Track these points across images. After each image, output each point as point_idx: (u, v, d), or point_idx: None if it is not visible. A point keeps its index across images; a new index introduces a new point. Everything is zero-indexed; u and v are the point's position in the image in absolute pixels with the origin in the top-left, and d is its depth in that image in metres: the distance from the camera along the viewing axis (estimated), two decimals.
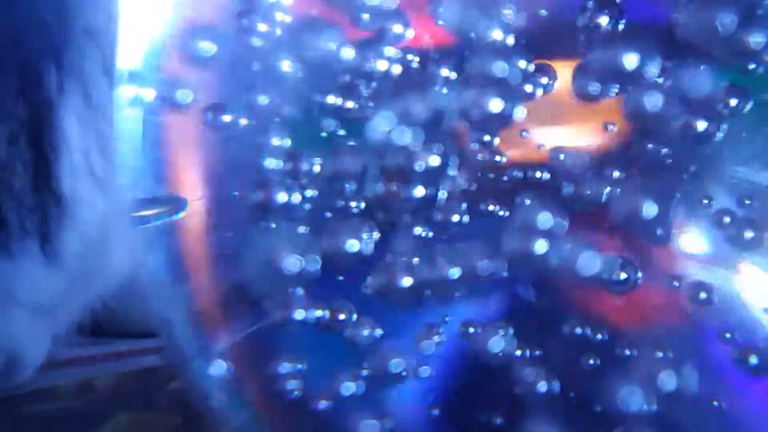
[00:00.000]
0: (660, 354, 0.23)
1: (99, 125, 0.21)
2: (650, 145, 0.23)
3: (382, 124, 0.23)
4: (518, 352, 0.24)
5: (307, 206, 0.25)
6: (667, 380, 0.22)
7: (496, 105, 0.23)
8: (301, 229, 0.25)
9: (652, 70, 0.22)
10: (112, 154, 0.21)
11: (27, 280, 0.20)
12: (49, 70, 0.20)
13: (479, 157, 0.24)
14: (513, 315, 0.24)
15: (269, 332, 0.25)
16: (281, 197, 0.25)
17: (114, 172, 0.21)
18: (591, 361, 0.23)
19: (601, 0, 0.22)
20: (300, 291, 0.25)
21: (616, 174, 0.23)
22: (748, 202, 0.22)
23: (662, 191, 0.22)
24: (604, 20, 0.22)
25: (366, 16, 0.24)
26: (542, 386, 0.24)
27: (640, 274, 0.23)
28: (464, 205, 0.24)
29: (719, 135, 0.22)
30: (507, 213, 0.24)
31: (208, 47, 0.25)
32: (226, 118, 0.25)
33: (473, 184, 0.24)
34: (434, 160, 0.24)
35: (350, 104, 0.25)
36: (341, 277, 0.25)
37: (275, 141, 0.25)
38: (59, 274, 0.21)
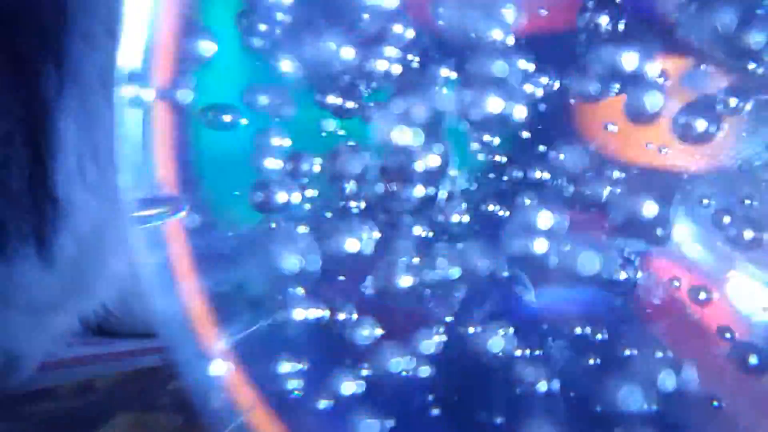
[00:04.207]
0: (660, 354, 0.23)
1: (93, 131, 0.21)
2: (651, 145, 0.23)
3: (382, 124, 0.23)
4: (518, 352, 0.24)
5: (307, 206, 0.25)
6: (667, 380, 0.22)
7: (495, 105, 0.23)
8: (301, 229, 0.25)
9: (652, 70, 0.22)
10: (106, 162, 0.21)
11: (24, 282, 0.20)
12: (48, 69, 0.20)
13: (479, 157, 0.24)
14: (513, 315, 0.24)
15: (269, 332, 0.25)
16: (281, 197, 0.25)
17: (108, 179, 0.21)
18: (591, 361, 0.23)
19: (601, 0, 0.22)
20: (300, 291, 0.25)
21: (616, 174, 0.23)
22: (748, 202, 0.22)
23: (662, 191, 0.22)
24: (604, 20, 0.22)
25: (366, 16, 0.24)
26: (542, 386, 0.24)
27: (640, 274, 0.23)
28: (464, 205, 0.24)
29: (719, 135, 0.22)
30: (507, 213, 0.24)
31: (208, 47, 0.25)
32: (226, 118, 0.25)
33: (473, 184, 0.24)
34: (434, 160, 0.24)
35: (350, 104, 0.25)
36: (341, 277, 0.25)
37: (275, 141, 0.25)
38: (55, 276, 0.21)
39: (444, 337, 0.24)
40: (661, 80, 0.22)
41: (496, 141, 0.24)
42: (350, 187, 0.25)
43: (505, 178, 0.24)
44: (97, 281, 0.22)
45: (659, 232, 0.23)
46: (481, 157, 0.24)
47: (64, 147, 0.20)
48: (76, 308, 0.22)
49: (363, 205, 0.25)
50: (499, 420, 0.24)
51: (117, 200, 0.22)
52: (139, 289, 0.25)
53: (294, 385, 0.26)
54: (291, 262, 0.24)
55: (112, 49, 0.21)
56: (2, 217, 0.19)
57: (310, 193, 0.25)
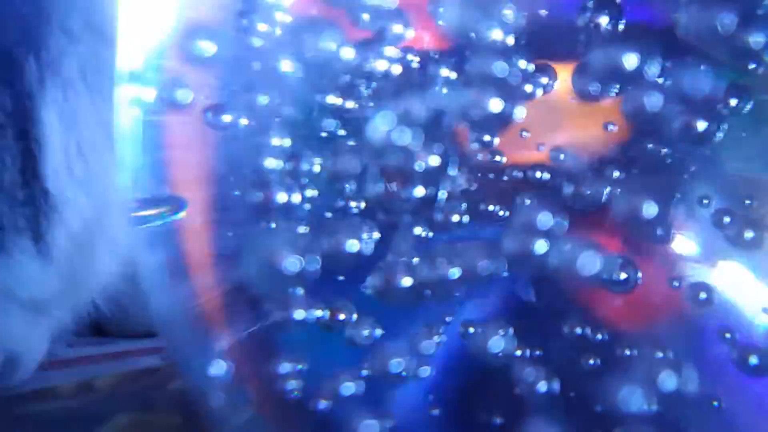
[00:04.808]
0: (660, 354, 0.23)
1: (77, 126, 0.21)
2: (650, 145, 0.23)
3: (382, 124, 0.23)
4: (518, 352, 0.24)
5: (307, 206, 0.25)
6: (667, 380, 0.22)
7: (496, 105, 0.23)
8: (301, 229, 0.25)
9: (652, 70, 0.22)
10: (91, 157, 0.21)
11: (22, 277, 0.20)
12: (29, 61, 0.20)
13: (479, 156, 0.24)
14: (513, 315, 0.24)
15: (269, 332, 0.25)
16: (281, 197, 0.25)
17: (96, 175, 0.21)
18: (591, 361, 0.23)
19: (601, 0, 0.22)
20: (300, 291, 0.25)
21: (616, 174, 0.23)
22: (748, 202, 0.22)
23: (662, 191, 0.22)
24: (604, 20, 0.22)
25: (366, 16, 0.24)
26: (542, 386, 0.24)
27: (640, 274, 0.23)
28: (464, 205, 0.24)
29: (719, 135, 0.22)
30: (507, 213, 0.24)
31: (208, 47, 0.25)
32: (226, 118, 0.25)
33: (473, 184, 0.24)
34: (434, 160, 0.24)
35: (350, 104, 0.25)
36: (341, 277, 0.25)
37: (275, 141, 0.25)
38: (52, 271, 0.21)
39: (444, 338, 0.24)
40: (660, 80, 0.22)
41: (496, 141, 0.24)
42: (350, 187, 0.25)
43: (505, 178, 0.24)
44: (90, 276, 0.21)
45: (659, 232, 0.23)
46: (480, 157, 0.24)
47: (50, 141, 0.20)
48: (72, 304, 0.22)
49: (363, 205, 0.25)
50: (498, 420, 0.24)
51: (105, 196, 0.22)
52: (134, 288, 0.25)
53: (294, 385, 0.26)
54: (291, 262, 0.24)
55: (92, 43, 0.21)
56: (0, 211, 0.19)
57: (310, 193, 0.25)
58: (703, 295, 0.22)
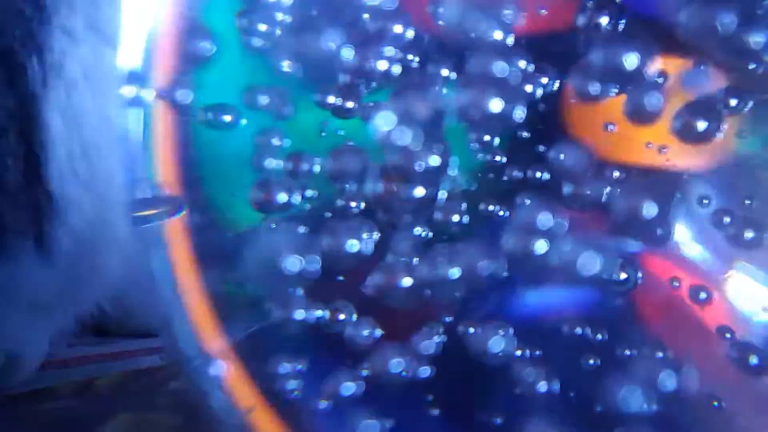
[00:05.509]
0: (660, 354, 0.23)
1: (80, 126, 0.21)
2: (650, 145, 0.23)
3: (382, 124, 0.23)
4: (518, 352, 0.24)
5: (307, 206, 0.25)
6: (667, 380, 0.22)
7: (495, 105, 0.23)
8: (301, 229, 0.25)
9: (652, 70, 0.22)
10: (95, 157, 0.21)
11: (24, 279, 0.20)
12: (32, 63, 0.20)
13: (479, 156, 0.24)
14: (513, 315, 0.24)
15: (269, 332, 0.25)
16: (281, 197, 0.25)
17: (98, 175, 0.21)
18: (591, 361, 0.23)
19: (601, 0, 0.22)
20: (300, 291, 0.25)
21: (616, 174, 0.23)
22: (748, 202, 0.22)
23: (662, 191, 0.22)
24: (604, 20, 0.22)
25: (366, 16, 0.24)
26: (542, 386, 0.24)
27: (640, 274, 0.23)
28: (464, 205, 0.24)
29: (720, 135, 0.22)
30: (507, 213, 0.24)
31: (208, 47, 0.25)
32: (227, 118, 0.25)
33: (473, 184, 0.24)
34: (434, 160, 0.24)
35: (350, 104, 0.25)
36: (341, 277, 0.25)
37: (275, 141, 0.25)
38: (54, 273, 0.21)
39: (444, 338, 0.24)
40: (660, 80, 0.22)
41: (496, 141, 0.24)
42: (350, 187, 0.25)
43: (505, 178, 0.24)
44: (93, 278, 0.21)
45: (659, 232, 0.23)
46: (480, 157, 0.24)
47: (54, 142, 0.20)
48: (74, 306, 0.22)
49: (363, 205, 0.25)
50: (498, 420, 0.24)
51: (109, 196, 0.22)
52: (136, 288, 0.25)
53: (294, 385, 0.26)
54: (291, 262, 0.24)
55: (93, 44, 0.21)
56: (2, 213, 0.19)
57: (310, 193, 0.25)
58: (703, 295, 0.22)
